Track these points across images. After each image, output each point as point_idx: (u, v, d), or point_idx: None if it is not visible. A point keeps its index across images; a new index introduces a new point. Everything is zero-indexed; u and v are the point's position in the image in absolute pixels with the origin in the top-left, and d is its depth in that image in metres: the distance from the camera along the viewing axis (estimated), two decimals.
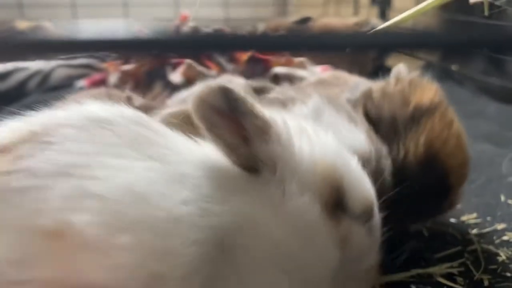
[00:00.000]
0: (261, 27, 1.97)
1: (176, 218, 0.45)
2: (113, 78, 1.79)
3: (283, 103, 0.78)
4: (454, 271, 0.77)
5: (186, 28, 1.70)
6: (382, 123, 0.80)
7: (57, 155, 0.44)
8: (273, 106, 0.74)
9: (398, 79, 0.85)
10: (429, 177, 0.76)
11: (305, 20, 2.13)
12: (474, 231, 0.89)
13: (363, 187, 0.57)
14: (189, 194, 0.48)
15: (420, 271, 0.76)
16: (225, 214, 0.49)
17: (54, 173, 0.43)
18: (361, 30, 1.99)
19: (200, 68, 1.65)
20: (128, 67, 1.77)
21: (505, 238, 0.86)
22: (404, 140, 0.78)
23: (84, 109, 0.51)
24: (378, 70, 2.20)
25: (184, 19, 1.79)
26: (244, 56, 1.81)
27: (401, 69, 0.88)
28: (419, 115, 0.80)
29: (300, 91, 0.84)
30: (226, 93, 0.49)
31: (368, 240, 0.56)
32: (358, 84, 0.91)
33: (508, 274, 0.76)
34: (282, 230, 0.52)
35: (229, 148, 0.52)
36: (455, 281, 0.75)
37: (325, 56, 1.94)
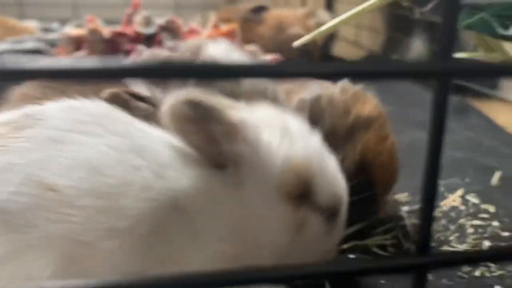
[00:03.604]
0: (212, 16, 2.00)
1: (128, 183, 0.55)
2: None
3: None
4: (387, 242, 0.88)
5: (139, 17, 1.72)
6: (323, 129, 0.86)
7: (43, 130, 0.57)
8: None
9: (344, 89, 0.92)
10: (360, 184, 0.81)
11: (260, 9, 2.17)
12: (405, 208, 1.00)
13: (334, 186, 0.65)
14: (143, 162, 0.57)
15: (357, 242, 0.86)
16: (180, 179, 0.57)
17: (42, 141, 0.56)
18: (310, 21, 2.06)
19: None
20: (80, 54, 1.77)
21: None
22: (343, 147, 0.85)
23: (64, 101, 0.63)
24: (325, 59, 2.29)
25: (136, 7, 1.81)
26: (193, 37, 1.84)
27: (346, 83, 0.94)
28: (358, 127, 0.88)
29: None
30: (193, 104, 0.56)
31: (324, 229, 0.64)
32: (317, 87, 0.95)
33: (433, 244, 0.88)
34: (236, 206, 0.59)
35: (198, 150, 0.59)
36: (386, 251, 0.86)
37: (276, 45, 2.01)
